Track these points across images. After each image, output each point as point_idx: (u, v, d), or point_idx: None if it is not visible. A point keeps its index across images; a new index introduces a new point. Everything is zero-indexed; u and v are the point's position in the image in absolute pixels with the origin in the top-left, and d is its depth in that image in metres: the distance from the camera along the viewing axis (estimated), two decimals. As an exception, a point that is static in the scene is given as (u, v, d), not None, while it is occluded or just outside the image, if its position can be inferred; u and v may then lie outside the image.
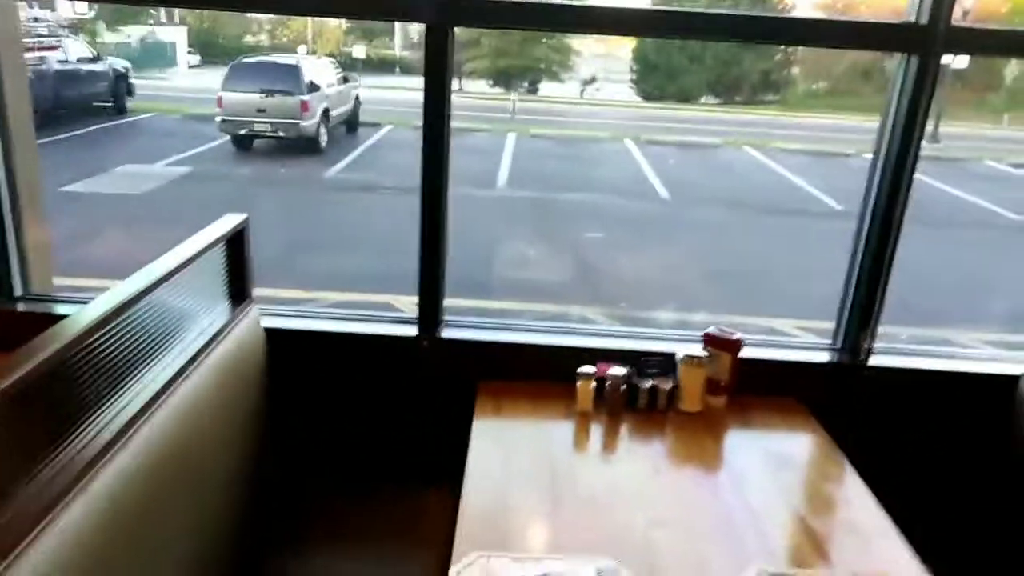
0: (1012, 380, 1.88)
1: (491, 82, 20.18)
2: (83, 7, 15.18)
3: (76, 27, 15.43)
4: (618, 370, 1.76)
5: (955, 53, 1.74)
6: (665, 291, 6.45)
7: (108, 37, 17.30)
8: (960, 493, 1.98)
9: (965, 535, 1.91)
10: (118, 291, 1.28)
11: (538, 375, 1.85)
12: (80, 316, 1.18)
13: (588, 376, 1.75)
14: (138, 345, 1.33)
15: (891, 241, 1.86)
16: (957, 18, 1.67)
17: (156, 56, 18.99)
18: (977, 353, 2.07)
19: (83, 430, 1.16)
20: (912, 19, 1.71)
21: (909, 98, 1.74)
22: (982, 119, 18.32)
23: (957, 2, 1.66)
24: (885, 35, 1.82)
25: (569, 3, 1.75)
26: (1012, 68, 16.94)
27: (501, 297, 6.03)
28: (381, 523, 1.81)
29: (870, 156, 1.89)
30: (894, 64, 1.80)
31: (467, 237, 6.94)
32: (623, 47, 21.10)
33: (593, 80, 20.83)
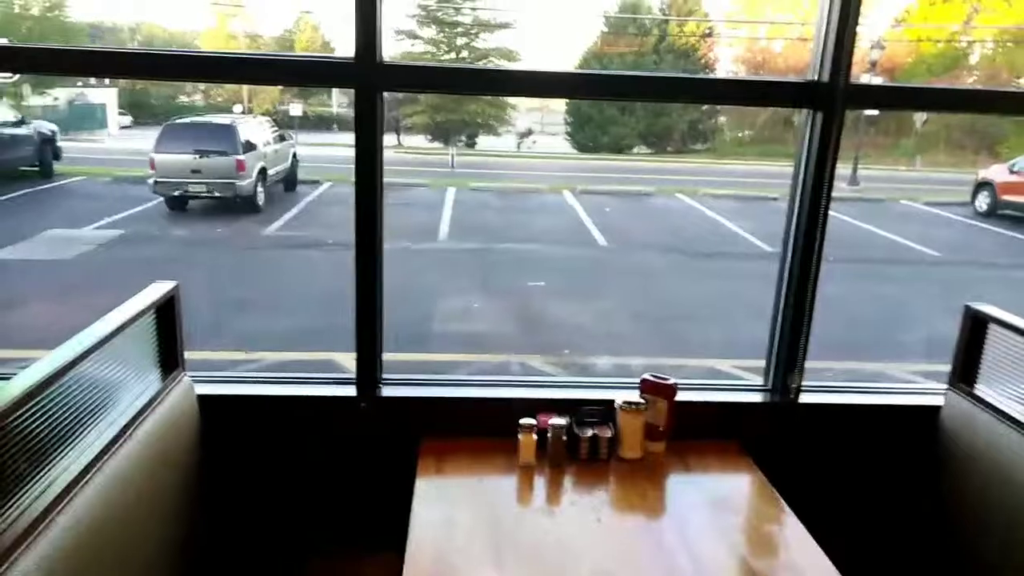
0: (934, 410, 1.98)
1: (430, 137, 20.45)
2: (6, 70, 14.81)
3: (-1, 91, 15.04)
4: (558, 420, 1.78)
5: (855, 109, 1.87)
6: (608, 337, 6.54)
7: (34, 100, 16.89)
8: (891, 520, 2.04)
9: (898, 562, 1.97)
10: (42, 365, 1.24)
11: (479, 429, 1.85)
12: (1, 393, 1.14)
13: (529, 428, 1.76)
14: (64, 420, 1.28)
15: (810, 282, 1.95)
16: (864, 72, 1.80)
17: (85, 118, 18.62)
18: (900, 386, 2.16)
19: (3, 512, 1.11)
20: (815, 78, 1.84)
21: (817, 149, 1.85)
22: (897, 162, 19.44)
23: (866, 56, 1.79)
24: (790, 93, 1.94)
25: (492, 68, 1.83)
26: (920, 114, 18.06)
27: (446, 350, 6.01)
28: None
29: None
30: (802, 117, 1.92)
31: (410, 290, 6.98)
32: (557, 100, 21.72)
33: (529, 133, 21.35)
